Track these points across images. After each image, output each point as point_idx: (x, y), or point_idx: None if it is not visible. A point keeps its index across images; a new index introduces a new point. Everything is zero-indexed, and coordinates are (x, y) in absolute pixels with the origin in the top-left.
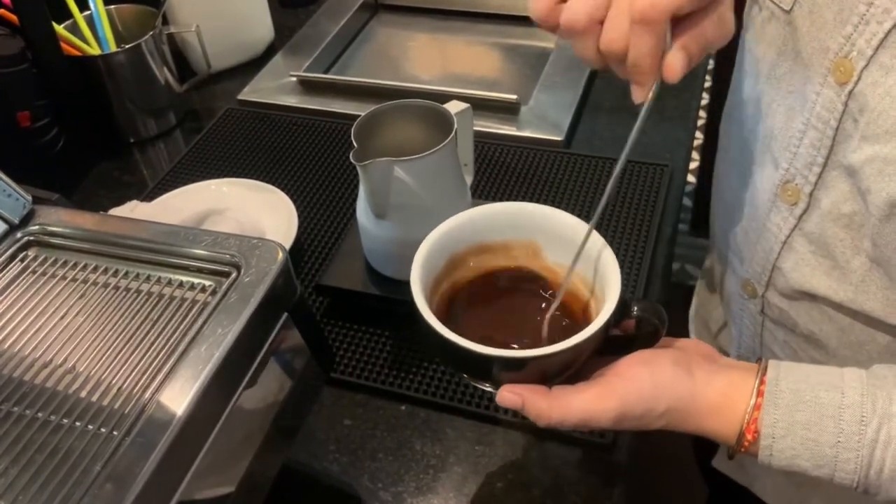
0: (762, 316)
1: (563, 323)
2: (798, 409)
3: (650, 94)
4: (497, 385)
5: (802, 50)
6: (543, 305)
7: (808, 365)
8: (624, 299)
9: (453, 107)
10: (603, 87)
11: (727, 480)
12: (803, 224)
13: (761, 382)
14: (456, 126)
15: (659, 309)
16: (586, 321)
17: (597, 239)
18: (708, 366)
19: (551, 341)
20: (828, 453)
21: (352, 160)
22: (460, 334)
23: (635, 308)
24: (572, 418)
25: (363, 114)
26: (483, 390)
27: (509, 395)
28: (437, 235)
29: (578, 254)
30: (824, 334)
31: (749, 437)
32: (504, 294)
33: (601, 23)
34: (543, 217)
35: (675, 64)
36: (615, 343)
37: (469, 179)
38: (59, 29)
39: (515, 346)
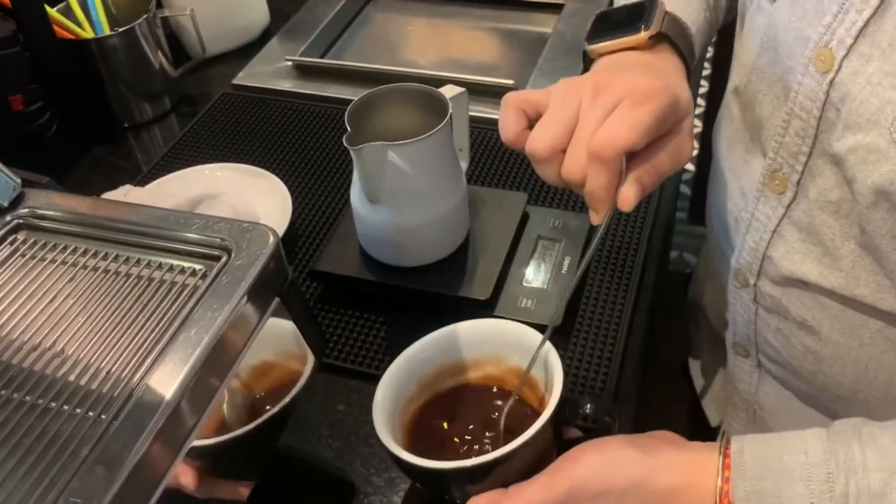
0: (755, 304)
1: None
2: (766, 477)
3: (605, 219)
4: (462, 495)
5: (785, 40)
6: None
7: (769, 434)
8: (572, 399)
9: (448, 91)
10: None
11: None
12: (791, 212)
13: (725, 456)
14: (451, 110)
15: (610, 406)
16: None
17: (545, 345)
18: (670, 448)
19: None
20: None
21: (345, 144)
22: (431, 450)
23: (587, 406)
24: None
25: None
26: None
27: None
28: (402, 361)
29: (531, 364)
30: (816, 321)
31: None
32: (473, 406)
33: (563, 151)
34: (505, 331)
35: (629, 196)
36: (572, 443)
37: (464, 165)
38: (52, 11)
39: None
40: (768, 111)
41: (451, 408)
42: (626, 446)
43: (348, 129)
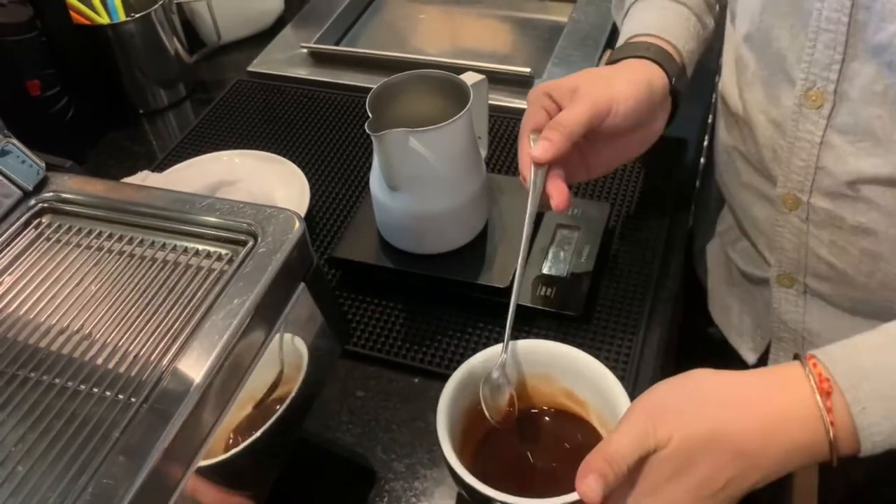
0: (806, 223)
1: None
2: (859, 356)
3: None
4: None
5: None
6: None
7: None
8: None
9: (469, 78)
10: None
11: None
12: (833, 121)
13: (808, 358)
14: (472, 97)
15: None
16: None
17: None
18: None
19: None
20: None
21: (367, 130)
22: (497, 474)
23: None
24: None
25: (375, 86)
26: None
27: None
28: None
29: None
30: (873, 221)
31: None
32: (544, 433)
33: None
34: (554, 353)
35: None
36: None
37: (484, 153)
38: None
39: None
40: (788, 41)
41: (518, 432)
42: (701, 370)
43: (369, 115)
